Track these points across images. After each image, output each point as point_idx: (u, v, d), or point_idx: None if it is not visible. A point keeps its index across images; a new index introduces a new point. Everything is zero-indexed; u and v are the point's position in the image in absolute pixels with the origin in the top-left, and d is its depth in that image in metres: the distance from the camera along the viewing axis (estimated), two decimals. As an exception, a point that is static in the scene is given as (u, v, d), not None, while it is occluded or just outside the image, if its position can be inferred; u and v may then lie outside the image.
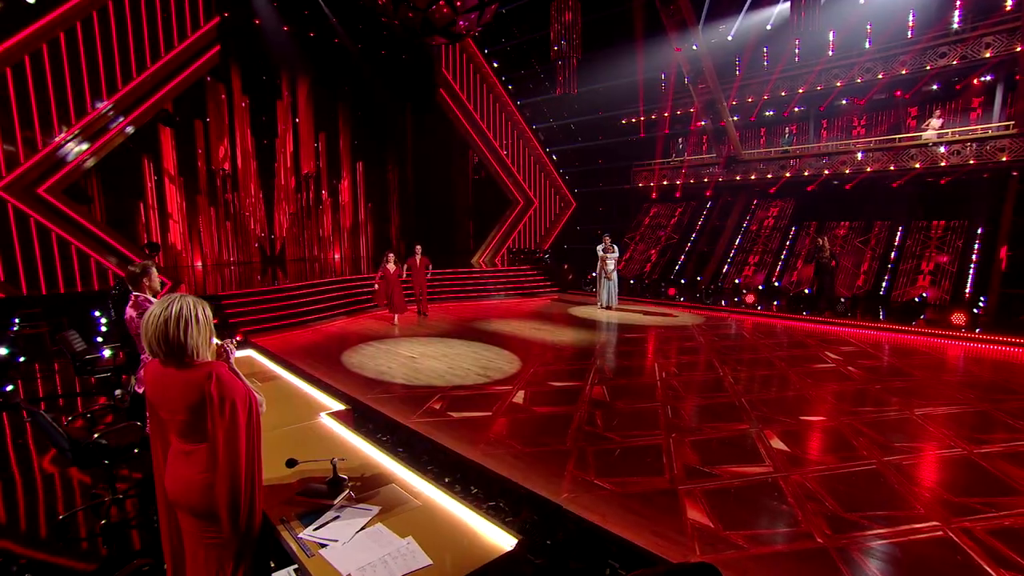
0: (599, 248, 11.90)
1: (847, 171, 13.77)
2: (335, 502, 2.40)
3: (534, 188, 18.51)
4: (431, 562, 1.97)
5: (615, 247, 11.91)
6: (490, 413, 5.52)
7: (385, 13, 10.27)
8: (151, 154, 14.29)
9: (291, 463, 2.41)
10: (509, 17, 16.66)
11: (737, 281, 14.07)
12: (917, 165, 12.39)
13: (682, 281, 14.88)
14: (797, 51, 15.80)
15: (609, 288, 11.85)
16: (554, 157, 18.78)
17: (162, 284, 10.11)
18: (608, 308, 11.85)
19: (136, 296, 3.77)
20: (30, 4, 9.42)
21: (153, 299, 3.91)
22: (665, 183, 17.35)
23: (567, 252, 18.71)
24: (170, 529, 2.32)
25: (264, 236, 17.28)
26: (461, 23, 10.49)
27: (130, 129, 10.99)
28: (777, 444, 4.70)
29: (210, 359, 2.14)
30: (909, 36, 13.51)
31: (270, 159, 17.22)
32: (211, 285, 11.82)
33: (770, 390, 6.24)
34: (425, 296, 11.15)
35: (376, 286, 10.66)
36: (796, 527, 3.45)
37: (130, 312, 3.71)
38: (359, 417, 5.42)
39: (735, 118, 16.52)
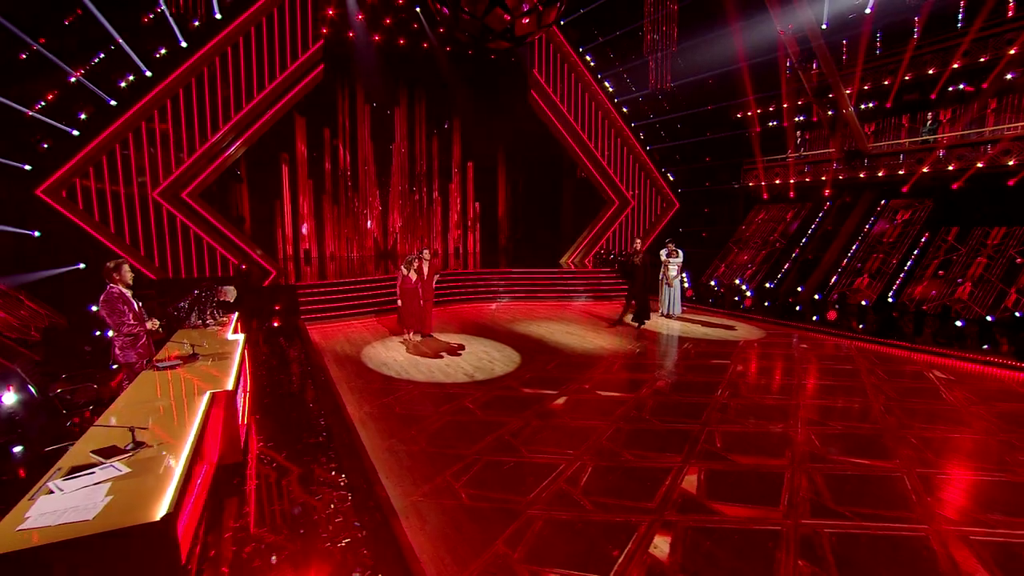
0: (662, 252, 11.17)
1: (1011, 163, 10.93)
2: (106, 461, 2.93)
3: (632, 188, 17.78)
4: (91, 518, 2.36)
5: (679, 252, 11.07)
6: (435, 411, 5.74)
7: (447, 24, 10.86)
8: (287, 159, 16.92)
9: (75, 426, 2.99)
10: (605, 10, 16.21)
11: (842, 294, 12.01)
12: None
13: (771, 289, 13.15)
14: (961, 14, 12.92)
15: (670, 295, 11.05)
16: (656, 156, 17.83)
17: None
18: (668, 316, 11.07)
19: (110, 288, 4.78)
20: (183, 47, 11.87)
21: (126, 291, 4.92)
22: (777, 182, 15.44)
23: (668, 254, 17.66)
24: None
25: (378, 232, 19.28)
26: (520, 23, 10.62)
27: (262, 117, 12.99)
28: (689, 481, 4.20)
29: None
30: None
31: (387, 161, 19.14)
32: (299, 275, 13.68)
33: (754, 422, 5.44)
34: (430, 312, 9.15)
35: (400, 302, 8.72)
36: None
37: (102, 299, 4.73)
38: (324, 396, 6.06)
39: (871, 104, 14.07)
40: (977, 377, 7.19)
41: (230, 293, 6.74)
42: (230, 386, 4.28)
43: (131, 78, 11.47)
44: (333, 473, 4.33)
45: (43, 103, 10.47)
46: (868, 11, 13.80)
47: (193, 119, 12.13)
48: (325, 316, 10.65)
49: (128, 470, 2.84)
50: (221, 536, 3.42)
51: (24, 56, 9.85)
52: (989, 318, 9.42)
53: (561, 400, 6.08)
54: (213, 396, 4.09)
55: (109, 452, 3.03)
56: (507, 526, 3.60)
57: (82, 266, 10.97)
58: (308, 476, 4.28)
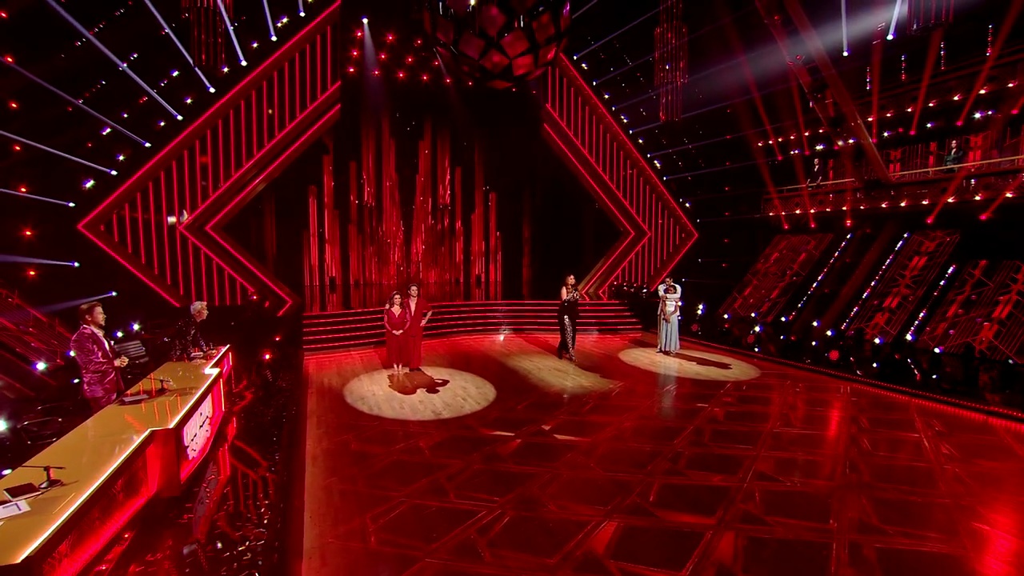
0: (660, 288, 11.00)
1: (1042, 194, 10.22)
2: (12, 499, 3.22)
3: (649, 218, 17.63)
4: (-45, 555, 2.63)
5: (677, 287, 10.87)
6: (386, 450, 5.87)
7: (449, 67, 11.30)
8: (314, 191, 17.83)
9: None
10: (618, 43, 16.38)
11: (859, 330, 11.38)
12: None
13: (786, 323, 12.61)
14: (989, 37, 12.30)
15: (668, 331, 10.83)
16: (673, 186, 17.65)
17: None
18: (666, 353, 10.83)
19: (83, 328, 5.23)
20: (211, 93, 12.90)
21: (98, 331, 5.37)
22: (797, 212, 14.95)
23: (683, 287, 17.31)
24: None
25: (402, 261, 19.88)
26: (517, 63, 10.93)
27: (284, 153, 13.84)
28: (601, 538, 4.13)
29: None
30: None
31: (411, 192, 19.82)
32: (323, 305, 14.25)
33: (700, 474, 5.27)
34: (418, 347, 9.28)
35: (393, 332, 8.94)
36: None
37: (73, 338, 5.18)
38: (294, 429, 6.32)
39: (898, 131, 13.50)
40: (974, 428, 6.67)
41: (201, 311, 6.98)
42: (172, 424, 4.58)
43: (163, 124, 12.55)
44: (263, 510, 4.53)
45: (86, 147, 11.60)
46: (891, 37, 13.37)
47: (219, 157, 13.07)
48: (326, 347, 11.05)
49: (28, 509, 3.12)
50: (132, 572, 3.65)
51: (70, 109, 10.97)
52: (1010, 360, 8.72)
53: (514, 443, 6.09)
54: (152, 433, 4.40)
55: (20, 490, 3.31)
56: (400, 573, 3.67)
57: (114, 294, 11.92)
58: (242, 512, 4.49)
